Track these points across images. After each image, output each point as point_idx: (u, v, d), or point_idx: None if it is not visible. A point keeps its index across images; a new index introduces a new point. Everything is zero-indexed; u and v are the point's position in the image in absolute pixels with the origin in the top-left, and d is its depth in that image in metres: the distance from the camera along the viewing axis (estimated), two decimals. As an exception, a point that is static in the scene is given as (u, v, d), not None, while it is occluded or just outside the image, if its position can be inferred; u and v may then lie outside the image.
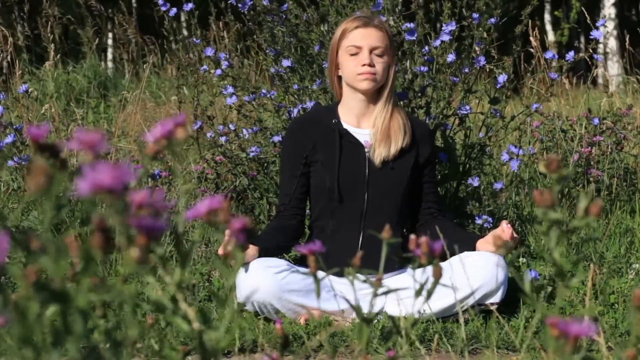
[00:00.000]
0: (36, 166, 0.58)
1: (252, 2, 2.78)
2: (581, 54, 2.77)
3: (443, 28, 2.68)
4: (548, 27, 13.33)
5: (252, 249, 2.17)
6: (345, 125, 2.36)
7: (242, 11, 2.81)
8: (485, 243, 2.20)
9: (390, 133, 2.32)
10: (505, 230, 2.11)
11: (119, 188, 0.54)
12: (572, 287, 0.77)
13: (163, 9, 2.89)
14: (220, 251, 2.14)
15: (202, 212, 0.66)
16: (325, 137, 2.34)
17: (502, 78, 2.71)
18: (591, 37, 2.79)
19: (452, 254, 2.19)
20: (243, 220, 0.66)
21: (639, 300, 0.79)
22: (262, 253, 2.20)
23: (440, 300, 2.16)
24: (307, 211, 2.45)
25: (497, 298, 2.17)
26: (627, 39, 5.18)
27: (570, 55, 2.76)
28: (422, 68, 2.69)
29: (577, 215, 0.77)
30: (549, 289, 2.32)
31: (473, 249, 2.22)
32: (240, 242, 0.66)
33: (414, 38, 2.69)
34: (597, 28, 2.75)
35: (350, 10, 2.73)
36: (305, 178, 2.36)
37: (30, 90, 3.27)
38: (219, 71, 2.91)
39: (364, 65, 2.28)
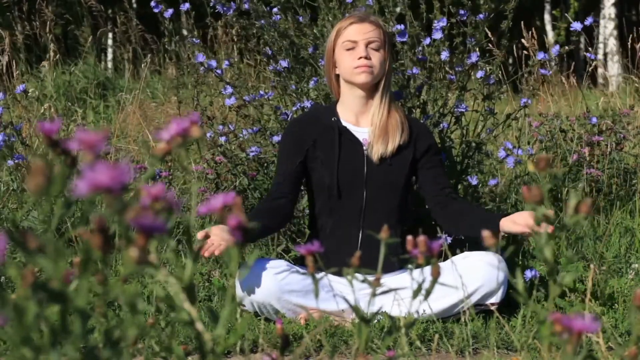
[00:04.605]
0: (35, 166, 0.58)
1: (236, 6, 2.79)
2: (567, 47, 2.78)
3: (434, 25, 2.68)
4: (548, 27, 13.34)
5: None
6: (344, 123, 2.36)
7: (227, 15, 2.81)
8: (510, 222, 2.08)
9: (388, 130, 2.32)
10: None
11: (118, 188, 0.54)
12: (565, 285, 0.77)
13: (156, 10, 2.89)
14: (200, 235, 2.07)
15: (216, 208, 0.67)
16: (324, 135, 2.34)
17: (480, 74, 2.72)
18: (571, 28, 2.80)
19: (476, 234, 2.14)
20: (238, 217, 0.66)
21: (639, 300, 0.79)
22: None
23: (440, 301, 2.16)
24: (307, 210, 2.45)
25: (497, 298, 2.17)
26: (629, 38, 5.18)
27: (556, 49, 2.77)
28: (414, 70, 2.69)
29: (568, 214, 0.77)
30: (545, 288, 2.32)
31: (497, 228, 2.11)
32: (237, 239, 0.66)
33: (405, 39, 2.70)
34: (597, 25, 2.77)
35: (341, 14, 2.74)
36: (302, 166, 2.35)
37: (29, 90, 3.27)
38: (218, 71, 2.90)
39: (360, 58, 2.29)
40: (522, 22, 4.69)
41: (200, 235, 2.01)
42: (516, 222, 2.07)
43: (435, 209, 2.35)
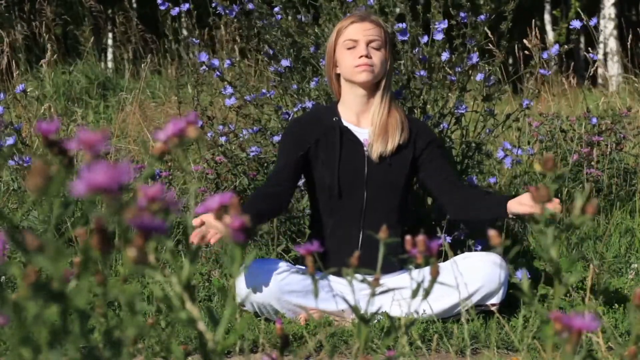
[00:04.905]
0: (35, 166, 0.58)
1: (240, 8, 2.79)
2: (566, 46, 2.78)
3: (435, 26, 2.68)
4: (548, 27, 13.34)
5: None
6: (345, 123, 2.36)
7: (228, 16, 2.81)
8: (517, 204, 2.04)
9: (388, 129, 2.32)
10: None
11: (115, 188, 0.54)
12: (569, 285, 0.77)
13: (162, 7, 2.89)
14: (196, 222, 2.06)
15: (213, 208, 0.66)
16: (326, 134, 2.34)
17: (479, 76, 2.72)
18: (571, 26, 2.81)
19: (484, 218, 2.19)
20: (241, 219, 0.66)
21: (639, 299, 0.79)
22: None
23: (441, 301, 2.16)
24: (307, 210, 2.44)
25: (497, 298, 2.17)
26: (629, 38, 5.18)
27: (555, 48, 2.77)
28: (422, 72, 2.68)
29: (574, 214, 0.77)
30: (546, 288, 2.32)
31: (504, 210, 2.08)
32: (240, 240, 0.66)
33: (406, 38, 2.69)
34: (598, 26, 2.78)
35: (342, 13, 2.74)
36: (303, 160, 2.34)
37: (29, 90, 3.27)
38: (218, 72, 2.90)
39: (361, 56, 2.28)
40: (528, 22, 4.69)
41: (195, 222, 1.99)
42: (522, 203, 2.03)
43: (442, 199, 2.32)
